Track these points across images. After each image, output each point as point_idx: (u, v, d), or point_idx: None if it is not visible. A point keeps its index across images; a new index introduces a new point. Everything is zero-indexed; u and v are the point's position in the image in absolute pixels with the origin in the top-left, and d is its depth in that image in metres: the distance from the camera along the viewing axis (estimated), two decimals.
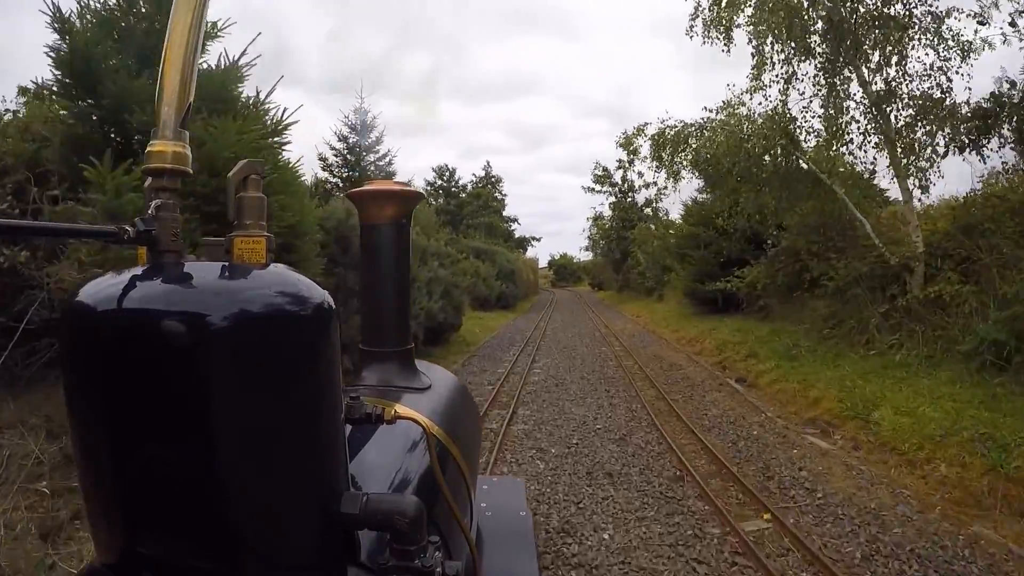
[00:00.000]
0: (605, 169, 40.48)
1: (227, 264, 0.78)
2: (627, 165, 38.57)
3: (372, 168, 19.50)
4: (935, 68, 9.44)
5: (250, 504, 0.75)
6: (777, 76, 10.54)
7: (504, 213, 50.73)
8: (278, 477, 0.77)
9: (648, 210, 37.27)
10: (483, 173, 51.53)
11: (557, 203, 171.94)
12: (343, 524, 0.85)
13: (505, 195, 52.37)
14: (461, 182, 47.41)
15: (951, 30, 9.28)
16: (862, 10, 9.41)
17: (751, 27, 10.23)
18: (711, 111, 12.05)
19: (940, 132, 9.56)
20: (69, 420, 0.77)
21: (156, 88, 0.78)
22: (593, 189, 41.07)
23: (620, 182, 39.82)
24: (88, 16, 4.57)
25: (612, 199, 40.23)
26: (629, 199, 39.42)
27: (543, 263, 73.96)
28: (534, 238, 61.77)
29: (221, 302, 0.71)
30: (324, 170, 18.25)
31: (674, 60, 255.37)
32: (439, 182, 45.98)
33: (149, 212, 0.76)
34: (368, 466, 1.10)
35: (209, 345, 0.70)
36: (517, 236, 54.85)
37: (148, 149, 0.77)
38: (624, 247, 35.82)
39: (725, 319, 14.82)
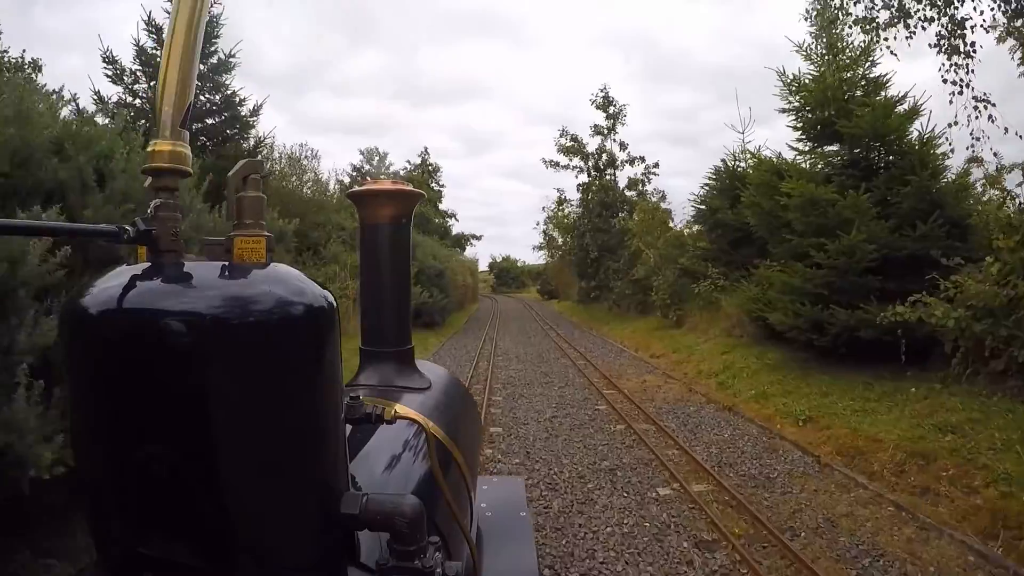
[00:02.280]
0: (575, 138, 30.44)
1: (227, 264, 0.80)
2: (606, 132, 28.90)
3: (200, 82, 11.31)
4: None
5: (250, 504, 0.77)
6: None
7: (441, 207, 41.29)
8: (278, 477, 0.79)
9: (632, 193, 27.79)
10: (419, 160, 42.33)
11: (499, 208, 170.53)
12: (343, 524, 0.87)
13: (443, 186, 44.12)
14: (392, 168, 38.02)
15: None
16: None
17: None
18: None
19: None
20: (69, 419, 0.79)
21: (156, 88, 0.80)
22: (557, 164, 30.94)
23: (596, 154, 29.83)
24: None
25: (585, 177, 30.15)
26: (608, 176, 29.52)
27: (483, 266, 67.86)
28: (474, 236, 55.47)
29: (221, 302, 0.73)
30: (115, 82, 10.29)
31: (620, 73, 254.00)
32: (367, 167, 36.40)
33: (149, 212, 0.77)
34: (368, 466, 1.11)
35: (209, 345, 0.72)
36: (455, 233, 50.34)
37: (148, 149, 0.79)
38: (603, 242, 25.97)
39: (918, 390, 6.54)
